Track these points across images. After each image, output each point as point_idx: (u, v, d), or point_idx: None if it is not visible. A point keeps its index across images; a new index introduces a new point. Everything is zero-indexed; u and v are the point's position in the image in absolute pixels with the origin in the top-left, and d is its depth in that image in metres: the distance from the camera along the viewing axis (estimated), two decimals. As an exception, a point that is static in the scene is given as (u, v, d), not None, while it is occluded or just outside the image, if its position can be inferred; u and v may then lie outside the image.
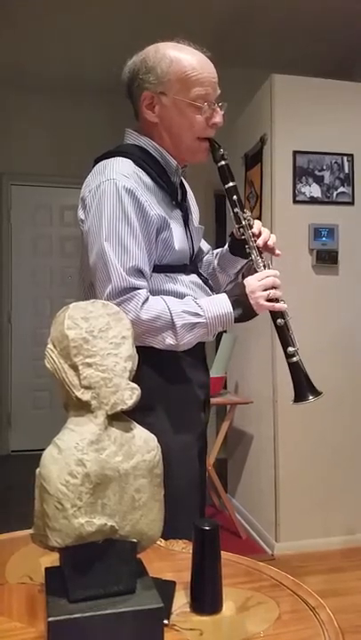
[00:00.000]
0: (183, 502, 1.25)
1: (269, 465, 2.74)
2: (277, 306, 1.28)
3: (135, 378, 1.24)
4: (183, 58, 1.27)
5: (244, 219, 1.35)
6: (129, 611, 0.73)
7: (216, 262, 1.54)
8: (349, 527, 2.75)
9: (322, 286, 2.71)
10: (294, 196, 2.71)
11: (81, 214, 1.30)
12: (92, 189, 1.26)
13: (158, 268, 1.29)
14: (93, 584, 0.74)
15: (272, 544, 2.69)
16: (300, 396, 1.31)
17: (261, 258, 1.35)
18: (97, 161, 1.33)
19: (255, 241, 1.36)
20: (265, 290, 1.27)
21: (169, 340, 1.22)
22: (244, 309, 1.27)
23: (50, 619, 0.70)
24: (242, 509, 3.12)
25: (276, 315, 1.30)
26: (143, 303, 1.19)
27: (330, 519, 2.73)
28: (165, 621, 0.78)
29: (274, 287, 1.29)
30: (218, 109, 1.31)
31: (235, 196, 1.35)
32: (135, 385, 0.78)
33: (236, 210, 1.35)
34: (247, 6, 3.41)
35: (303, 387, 1.30)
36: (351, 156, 2.78)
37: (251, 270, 1.38)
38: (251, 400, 2.96)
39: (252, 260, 1.35)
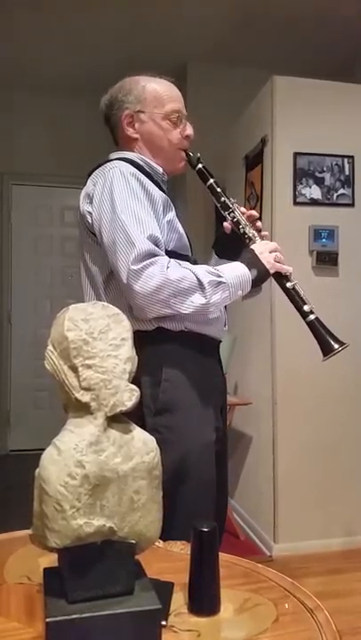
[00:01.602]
0: (199, 505, 1.26)
1: (268, 466, 2.74)
2: (286, 267, 1.36)
3: (157, 380, 1.27)
4: (155, 83, 1.44)
5: (232, 203, 1.45)
6: (127, 612, 0.73)
7: None
8: (348, 528, 2.75)
9: (322, 288, 2.71)
10: (295, 197, 2.72)
11: (88, 207, 1.34)
12: (98, 181, 1.33)
13: (166, 254, 1.31)
14: (92, 585, 0.75)
15: (271, 545, 2.69)
16: (326, 350, 1.32)
17: (258, 233, 1.44)
18: (90, 173, 1.39)
19: (247, 219, 1.44)
20: (271, 252, 1.36)
21: (198, 299, 1.23)
22: (258, 270, 1.33)
23: (48, 619, 0.71)
24: (240, 511, 3.12)
25: (283, 280, 1.36)
26: (168, 266, 1.22)
27: (329, 520, 2.73)
28: (163, 622, 0.78)
29: (277, 251, 1.38)
30: (188, 124, 1.46)
31: (218, 189, 1.45)
32: (135, 387, 0.78)
33: (223, 199, 1.45)
34: (248, 7, 3.41)
35: (328, 340, 1.32)
36: (352, 157, 2.78)
37: None
38: (250, 401, 2.96)
39: (248, 237, 1.41)
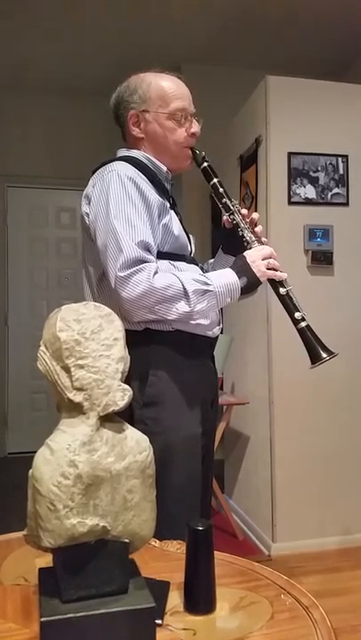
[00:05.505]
0: (183, 497, 1.28)
1: (266, 465, 2.74)
2: (278, 274, 1.36)
3: (145, 374, 1.29)
4: (161, 80, 1.44)
5: (233, 205, 1.45)
6: (121, 610, 0.73)
7: (212, 269, 1.59)
8: (346, 527, 2.76)
9: (317, 287, 2.72)
10: (289, 197, 2.72)
11: (86, 209, 1.37)
12: (97, 183, 1.35)
13: (161, 255, 1.34)
14: (86, 584, 0.75)
15: (269, 544, 2.69)
16: (314, 358, 1.32)
17: (256, 237, 1.43)
18: (94, 171, 1.41)
19: (247, 222, 1.45)
20: (264, 259, 1.36)
21: (183, 307, 1.26)
22: (248, 278, 1.33)
23: (42, 619, 0.71)
24: (238, 510, 3.13)
25: (277, 285, 1.36)
26: (155, 274, 1.24)
27: (326, 519, 2.73)
28: (159, 621, 0.78)
29: (271, 258, 1.37)
30: (195, 121, 1.46)
31: (221, 189, 1.46)
32: (127, 386, 0.78)
33: (224, 200, 1.45)
34: (246, 7, 3.42)
35: (316, 348, 1.32)
36: (346, 157, 2.78)
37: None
38: (247, 401, 2.96)
39: (246, 240, 1.42)
